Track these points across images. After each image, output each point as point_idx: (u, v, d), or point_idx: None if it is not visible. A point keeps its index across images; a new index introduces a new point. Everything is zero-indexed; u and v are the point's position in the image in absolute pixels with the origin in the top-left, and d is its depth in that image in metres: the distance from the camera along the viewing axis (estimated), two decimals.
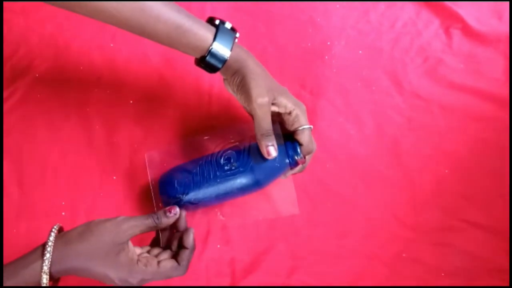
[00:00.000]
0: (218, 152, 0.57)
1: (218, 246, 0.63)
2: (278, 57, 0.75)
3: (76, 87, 0.70)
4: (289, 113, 0.54)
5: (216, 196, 0.55)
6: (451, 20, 0.78)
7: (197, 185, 0.54)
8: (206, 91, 0.71)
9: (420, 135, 0.70)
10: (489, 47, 0.76)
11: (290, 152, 0.54)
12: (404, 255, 0.64)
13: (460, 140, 0.70)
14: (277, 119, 0.56)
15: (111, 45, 0.73)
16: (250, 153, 0.54)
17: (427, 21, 0.78)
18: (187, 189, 0.55)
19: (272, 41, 0.76)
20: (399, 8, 0.79)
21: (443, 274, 0.63)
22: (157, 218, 0.51)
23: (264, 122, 0.52)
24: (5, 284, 0.45)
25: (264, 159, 0.53)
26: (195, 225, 0.58)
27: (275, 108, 0.54)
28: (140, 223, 0.49)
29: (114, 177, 0.65)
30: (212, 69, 0.52)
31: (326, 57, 0.75)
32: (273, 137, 0.53)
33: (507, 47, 0.76)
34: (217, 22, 0.52)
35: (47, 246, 0.46)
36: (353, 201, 0.66)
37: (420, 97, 0.73)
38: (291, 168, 0.56)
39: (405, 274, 0.63)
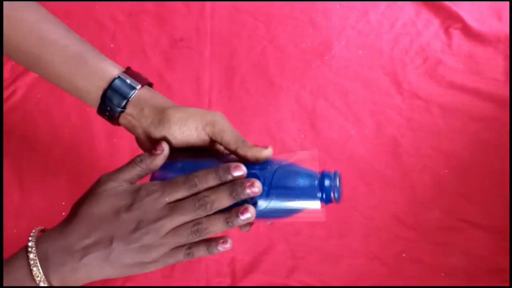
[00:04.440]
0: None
1: None
2: (278, 57, 0.75)
3: None
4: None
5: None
6: (451, 20, 0.78)
7: None
8: (206, 92, 0.71)
9: (420, 135, 0.70)
10: (489, 47, 0.76)
11: (327, 184, 0.39)
12: (404, 255, 0.64)
13: (460, 140, 0.70)
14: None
15: (111, 45, 0.73)
16: (273, 184, 0.39)
17: (426, 21, 0.78)
18: None
19: (272, 41, 0.76)
20: (399, 8, 0.79)
21: (443, 274, 0.63)
22: (140, 160, 0.40)
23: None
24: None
25: (286, 191, 0.39)
26: None
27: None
28: (122, 177, 0.39)
29: None
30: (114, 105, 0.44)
31: (326, 57, 0.75)
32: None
33: (507, 47, 0.76)
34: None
35: (28, 253, 0.39)
36: (353, 201, 0.66)
37: (420, 97, 0.73)
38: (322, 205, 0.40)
39: (405, 274, 0.63)
